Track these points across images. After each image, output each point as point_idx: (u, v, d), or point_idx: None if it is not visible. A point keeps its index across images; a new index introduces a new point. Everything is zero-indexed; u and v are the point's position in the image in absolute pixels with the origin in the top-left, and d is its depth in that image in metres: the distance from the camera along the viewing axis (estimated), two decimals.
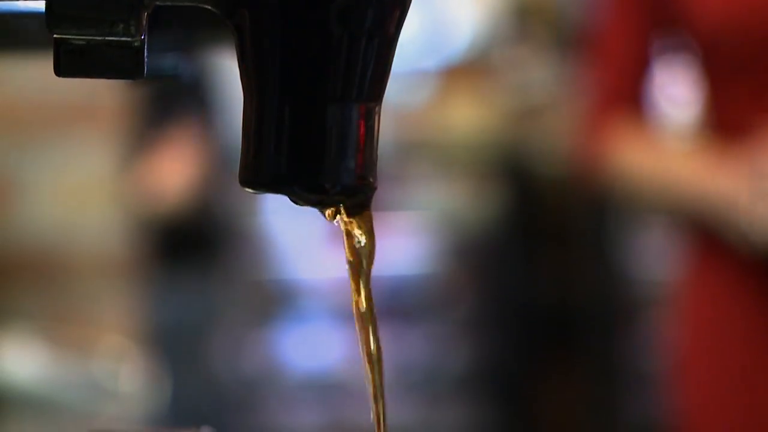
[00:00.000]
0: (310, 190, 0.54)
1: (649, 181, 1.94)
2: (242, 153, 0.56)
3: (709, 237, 1.98)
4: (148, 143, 3.62)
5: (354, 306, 0.58)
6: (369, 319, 0.57)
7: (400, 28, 0.56)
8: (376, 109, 0.56)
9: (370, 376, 0.61)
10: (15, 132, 2.60)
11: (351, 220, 0.58)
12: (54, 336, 2.42)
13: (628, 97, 2.03)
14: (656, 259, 5.25)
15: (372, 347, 0.60)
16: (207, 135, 4.02)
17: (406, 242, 5.90)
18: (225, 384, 4.46)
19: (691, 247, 2.12)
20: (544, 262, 5.80)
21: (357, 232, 0.57)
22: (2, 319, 2.39)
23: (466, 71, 6.33)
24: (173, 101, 3.64)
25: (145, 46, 0.59)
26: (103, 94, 2.55)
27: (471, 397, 6.25)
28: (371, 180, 0.56)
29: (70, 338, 2.48)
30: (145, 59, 0.59)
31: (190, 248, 3.92)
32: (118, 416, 2.15)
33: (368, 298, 0.56)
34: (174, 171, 3.76)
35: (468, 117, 6.14)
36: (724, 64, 1.87)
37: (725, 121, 1.92)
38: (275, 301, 6.33)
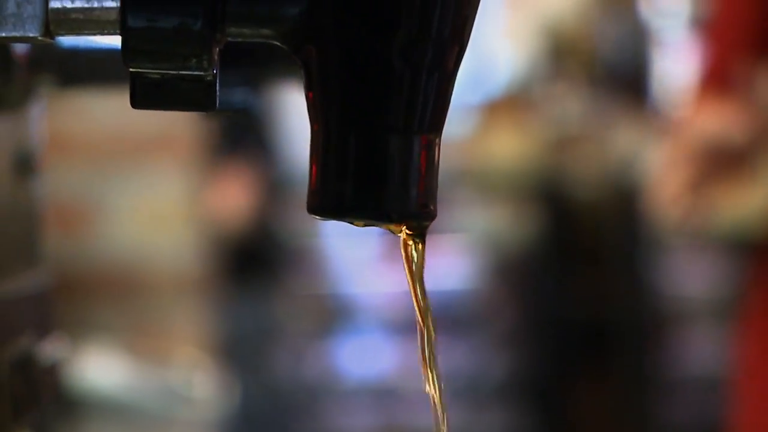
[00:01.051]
0: (374, 218, 0.53)
1: None
2: (309, 181, 0.54)
3: None
4: (218, 171, 3.65)
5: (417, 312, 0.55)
6: (426, 320, 0.54)
7: (459, 64, 0.54)
8: (437, 140, 0.55)
9: (429, 376, 0.59)
10: (98, 161, 2.61)
11: (411, 242, 0.56)
12: (133, 347, 2.43)
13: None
14: (684, 276, 5.26)
15: (427, 350, 0.57)
16: (270, 163, 4.04)
17: (453, 261, 5.89)
18: (287, 389, 4.45)
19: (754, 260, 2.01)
20: (579, 280, 5.79)
21: (414, 253, 0.56)
22: (86, 332, 2.39)
23: (507, 105, 6.36)
24: (240, 133, 3.66)
25: (217, 80, 0.57)
26: (178, 126, 2.55)
27: (510, 404, 6.25)
28: (432, 208, 0.54)
29: (148, 349, 2.48)
30: (217, 92, 0.58)
31: (255, 266, 3.95)
32: (191, 420, 2.14)
33: (425, 304, 0.53)
34: (240, 196, 3.80)
35: (508, 147, 6.15)
36: None
37: None
38: (333, 313, 6.37)
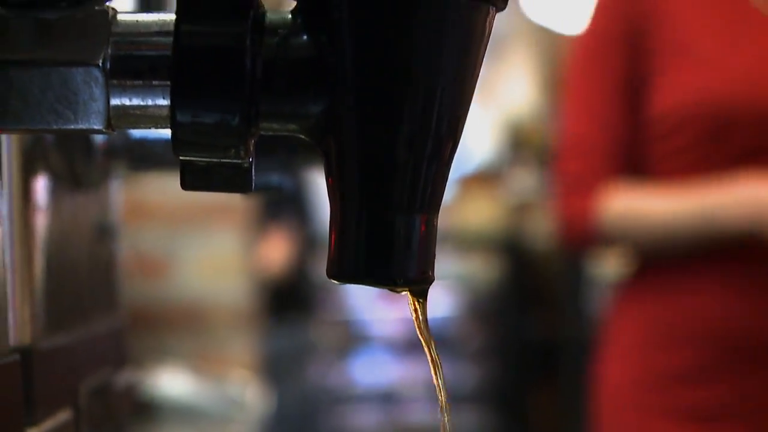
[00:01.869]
0: (382, 284, 0.49)
1: (644, 217, 1.63)
2: (329, 251, 0.50)
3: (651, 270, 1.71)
4: (265, 232, 3.72)
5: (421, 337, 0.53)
6: (428, 342, 0.50)
7: (454, 155, 0.51)
8: (435, 217, 0.51)
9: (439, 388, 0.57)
10: (172, 224, 2.62)
11: (416, 300, 0.52)
12: (199, 367, 2.44)
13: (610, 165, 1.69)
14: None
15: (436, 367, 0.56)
16: (304, 226, 4.21)
17: (437, 298, 6.02)
18: (315, 396, 4.46)
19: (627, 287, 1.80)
20: (534, 311, 5.89)
21: (419, 309, 0.52)
22: (160, 358, 2.40)
23: (479, 180, 6.61)
24: (282, 203, 3.74)
25: (253, 166, 0.54)
26: (234, 197, 2.54)
27: (480, 407, 6.37)
28: (430, 273, 0.50)
29: (210, 367, 2.48)
30: (253, 176, 0.54)
31: (292, 302, 4.02)
32: (242, 421, 2.14)
33: (427, 333, 0.49)
34: (281, 250, 3.90)
35: (480, 211, 6.40)
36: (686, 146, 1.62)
37: None
38: (351, 337, 6.50)
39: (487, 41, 0.49)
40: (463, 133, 0.51)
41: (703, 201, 1.54)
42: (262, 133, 0.50)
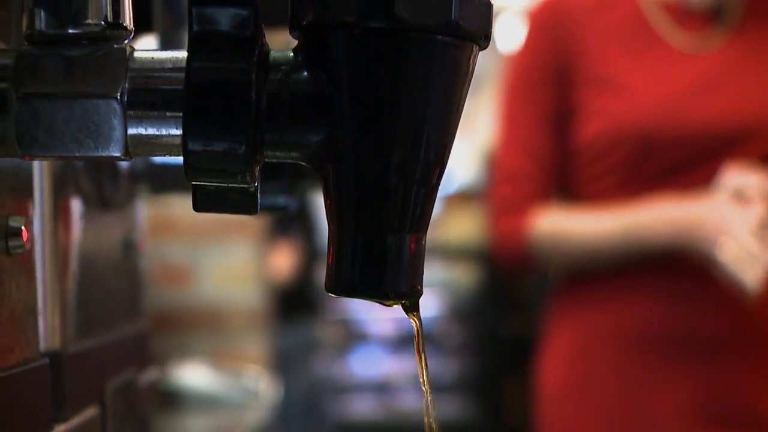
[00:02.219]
0: (376, 297, 0.47)
1: (572, 235, 1.58)
2: (327, 267, 0.48)
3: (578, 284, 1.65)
4: (274, 244, 3.75)
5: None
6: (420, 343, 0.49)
7: (441, 180, 0.48)
8: (423, 237, 0.48)
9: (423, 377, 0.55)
10: (194, 237, 2.63)
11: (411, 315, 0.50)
12: (216, 363, 2.44)
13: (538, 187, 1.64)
14: None
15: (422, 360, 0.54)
16: (308, 239, 4.23)
17: (425, 302, 6.07)
18: (319, 385, 4.45)
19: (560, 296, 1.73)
20: (506, 312, 5.88)
21: (413, 318, 0.51)
22: (184, 354, 2.40)
23: (461, 199, 6.51)
24: (289, 220, 3.78)
25: (258, 190, 0.51)
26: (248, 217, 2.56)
27: (460, 395, 6.35)
28: (419, 288, 0.48)
29: (226, 364, 2.47)
30: (258, 199, 0.52)
31: (298, 305, 4.05)
32: (255, 407, 2.13)
33: (421, 335, 0.47)
34: (288, 261, 3.95)
35: (461, 226, 6.32)
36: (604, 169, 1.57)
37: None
38: (350, 334, 6.52)
39: (471, 76, 0.47)
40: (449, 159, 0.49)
41: (627, 220, 1.51)
42: (266, 160, 0.48)
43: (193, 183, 0.49)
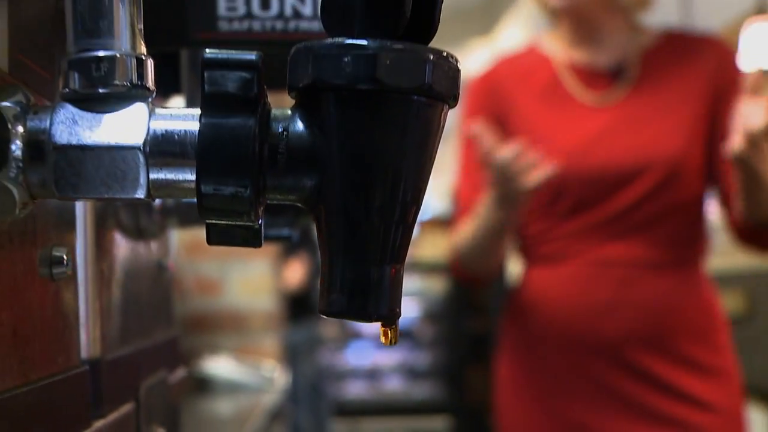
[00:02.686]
0: (361, 319, 0.43)
1: (466, 235, 1.59)
2: (320, 292, 0.45)
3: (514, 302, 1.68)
4: (286, 261, 3.76)
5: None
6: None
7: (417, 217, 0.45)
8: (402, 267, 0.45)
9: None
10: (221, 255, 2.63)
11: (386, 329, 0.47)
12: (239, 357, 2.42)
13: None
14: None
15: None
16: (314, 257, 4.17)
17: (405, 307, 6.13)
18: (322, 374, 4.45)
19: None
20: (470, 314, 5.92)
21: (389, 331, 0.47)
22: (214, 350, 2.40)
23: (434, 224, 6.62)
24: (296, 244, 3.80)
25: (263, 227, 0.48)
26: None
27: (431, 381, 6.46)
28: (398, 310, 0.45)
29: (248, 358, 2.46)
30: (262, 235, 0.48)
31: (304, 309, 4.06)
32: (269, 391, 2.12)
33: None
34: (298, 273, 3.95)
35: (434, 246, 6.38)
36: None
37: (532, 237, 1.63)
38: (346, 332, 6.52)
39: (442, 130, 0.43)
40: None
41: (476, 210, 1.53)
42: (269, 201, 0.44)
43: (206, 221, 0.46)
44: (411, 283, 6.23)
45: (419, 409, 6.40)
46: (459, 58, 0.43)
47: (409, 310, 6.43)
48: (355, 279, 0.42)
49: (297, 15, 0.61)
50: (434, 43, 0.44)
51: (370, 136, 0.41)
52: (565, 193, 1.52)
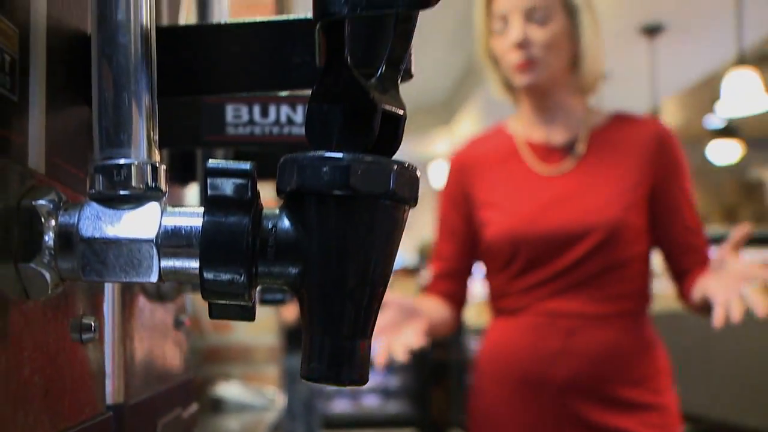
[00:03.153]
0: (336, 384, 0.39)
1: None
2: (302, 359, 0.42)
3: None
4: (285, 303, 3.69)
5: None
6: None
7: (383, 295, 0.42)
8: (370, 341, 0.42)
9: None
10: None
11: None
12: (246, 383, 2.37)
13: (446, 276, 1.61)
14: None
15: None
16: None
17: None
18: (313, 395, 4.35)
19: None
20: (433, 344, 5.87)
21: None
22: (226, 378, 2.36)
23: (403, 273, 6.53)
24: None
25: (255, 305, 0.45)
26: None
27: (400, 400, 6.41)
28: (367, 376, 0.42)
29: (253, 383, 2.39)
30: (255, 311, 0.45)
31: (298, 340, 3.93)
32: (272, 411, 2.07)
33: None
34: (293, 312, 3.90)
35: (403, 290, 6.33)
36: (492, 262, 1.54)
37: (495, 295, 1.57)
38: None
39: (404, 226, 0.41)
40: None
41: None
42: (260, 286, 0.42)
43: (209, 301, 0.43)
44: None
45: (392, 422, 6.31)
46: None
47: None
48: (332, 352, 0.39)
49: (290, 122, 0.59)
50: (406, 133, 0.42)
51: (345, 233, 0.39)
52: (519, 254, 1.46)
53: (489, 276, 1.56)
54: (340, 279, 0.39)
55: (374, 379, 6.44)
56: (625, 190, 1.44)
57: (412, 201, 0.40)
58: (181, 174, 0.73)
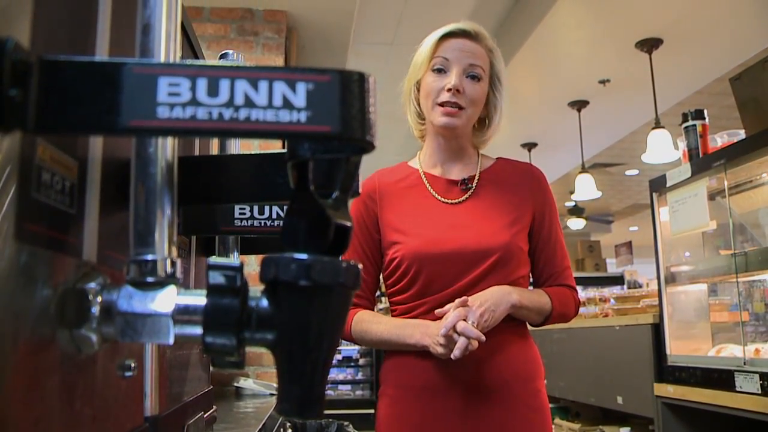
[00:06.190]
0: (302, 419, 0.36)
1: (369, 330, 1.29)
2: (277, 397, 0.39)
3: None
4: None
5: None
6: None
7: (333, 356, 0.40)
8: (325, 387, 0.40)
9: None
10: None
11: None
12: (259, 378, 2.24)
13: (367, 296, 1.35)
14: None
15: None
16: None
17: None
18: None
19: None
20: None
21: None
22: (243, 376, 2.24)
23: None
24: None
25: (244, 360, 0.41)
26: None
27: (364, 387, 6.03)
28: (323, 413, 0.39)
29: (265, 378, 2.28)
30: (244, 361, 0.41)
31: None
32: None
33: None
34: None
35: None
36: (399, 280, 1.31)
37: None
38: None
39: (350, 303, 0.40)
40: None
41: (398, 326, 1.26)
42: (246, 348, 0.40)
43: (212, 358, 0.41)
44: None
45: (357, 404, 6.15)
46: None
47: (353, 347, 6.17)
48: (298, 395, 0.38)
49: (279, 217, 0.58)
50: None
51: (307, 311, 0.38)
52: (421, 274, 1.26)
53: (393, 295, 1.31)
54: (303, 344, 0.38)
55: (345, 372, 6.25)
56: (512, 220, 1.29)
57: (357, 287, 0.39)
58: (204, 249, 0.72)
